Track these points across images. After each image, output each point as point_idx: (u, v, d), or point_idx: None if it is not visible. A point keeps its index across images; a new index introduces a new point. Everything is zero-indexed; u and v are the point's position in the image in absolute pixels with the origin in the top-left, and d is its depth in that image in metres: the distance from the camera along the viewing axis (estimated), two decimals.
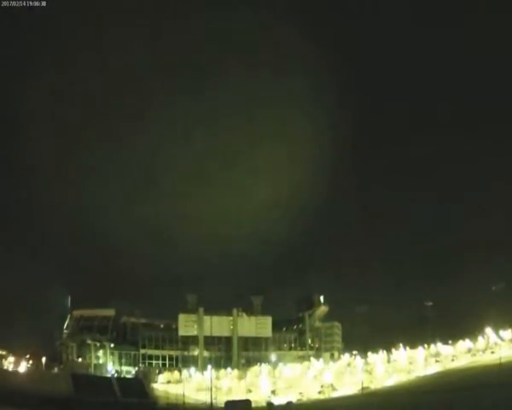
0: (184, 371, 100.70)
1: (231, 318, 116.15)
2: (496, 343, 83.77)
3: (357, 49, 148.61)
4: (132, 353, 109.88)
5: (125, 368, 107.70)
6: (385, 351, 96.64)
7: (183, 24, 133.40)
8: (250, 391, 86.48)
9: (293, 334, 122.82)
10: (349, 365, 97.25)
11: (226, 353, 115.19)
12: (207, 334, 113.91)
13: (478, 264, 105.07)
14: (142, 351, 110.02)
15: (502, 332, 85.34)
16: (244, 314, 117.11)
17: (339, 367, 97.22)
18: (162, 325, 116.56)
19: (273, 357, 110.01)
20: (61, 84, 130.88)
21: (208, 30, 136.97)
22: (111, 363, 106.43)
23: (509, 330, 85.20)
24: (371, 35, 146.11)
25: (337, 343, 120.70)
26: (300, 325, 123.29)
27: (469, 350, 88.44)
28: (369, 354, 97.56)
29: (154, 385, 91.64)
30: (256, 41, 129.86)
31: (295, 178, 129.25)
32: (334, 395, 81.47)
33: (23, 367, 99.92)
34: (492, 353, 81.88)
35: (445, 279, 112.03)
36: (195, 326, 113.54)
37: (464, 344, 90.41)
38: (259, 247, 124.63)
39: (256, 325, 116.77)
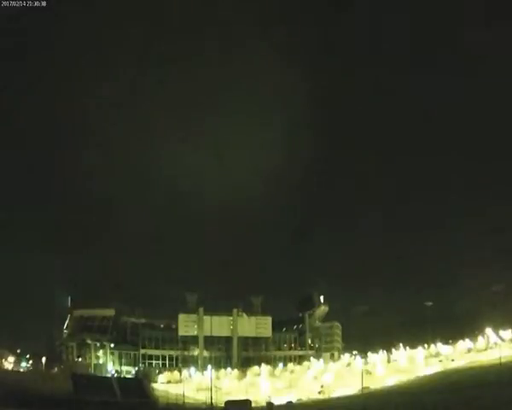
0: (184, 371, 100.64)
1: (231, 318, 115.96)
2: (496, 343, 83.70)
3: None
4: (132, 353, 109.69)
5: (125, 368, 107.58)
6: (385, 351, 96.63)
7: None
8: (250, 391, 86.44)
9: (293, 334, 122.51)
10: (349, 365, 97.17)
11: (226, 353, 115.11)
12: (207, 334, 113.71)
13: (478, 264, 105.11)
14: (142, 351, 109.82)
15: (502, 332, 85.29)
16: (244, 314, 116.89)
17: (339, 367, 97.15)
18: (162, 325, 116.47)
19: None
20: (61, 85, 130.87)
21: None
22: (111, 363, 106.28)
23: (509, 330, 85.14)
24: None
25: (337, 343, 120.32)
26: (300, 325, 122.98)
27: (469, 350, 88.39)
28: (369, 354, 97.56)
29: (154, 385, 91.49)
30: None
31: (295, 179, 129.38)
32: (334, 395, 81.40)
33: (23, 367, 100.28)
34: (490, 348, 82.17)
35: (445, 279, 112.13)
36: (195, 326, 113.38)
37: (464, 344, 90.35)
38: (260, 246, 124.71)
39: (256, 325, 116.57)
